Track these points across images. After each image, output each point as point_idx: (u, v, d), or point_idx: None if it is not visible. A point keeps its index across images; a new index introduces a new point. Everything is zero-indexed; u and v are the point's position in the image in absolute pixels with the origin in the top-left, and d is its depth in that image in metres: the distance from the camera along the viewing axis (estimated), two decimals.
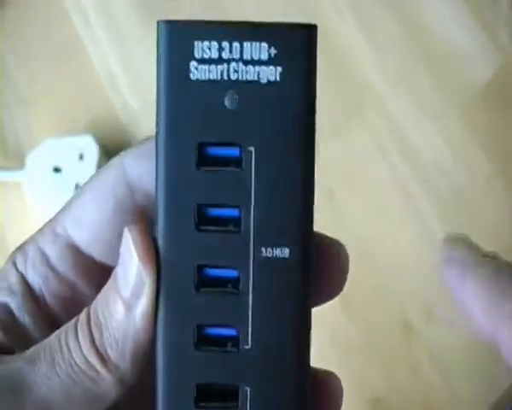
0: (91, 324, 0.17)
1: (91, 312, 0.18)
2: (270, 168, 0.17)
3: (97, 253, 0.20)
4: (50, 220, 0.21)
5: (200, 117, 0.17)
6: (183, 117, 0.17)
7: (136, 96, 0.47)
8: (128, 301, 0.17)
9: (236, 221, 0.17)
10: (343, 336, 0.41)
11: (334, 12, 0.49)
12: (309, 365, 0.20)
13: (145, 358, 0.17)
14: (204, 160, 0.17)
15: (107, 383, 0.17)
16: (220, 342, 0.18)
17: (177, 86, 0.17)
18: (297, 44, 0.17)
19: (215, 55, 0.17)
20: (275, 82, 0.17)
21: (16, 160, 0.45)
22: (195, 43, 0.18)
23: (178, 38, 0.18)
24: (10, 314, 0.19)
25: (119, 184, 0.19)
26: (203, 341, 0.17)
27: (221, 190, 0.17)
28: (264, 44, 0.17)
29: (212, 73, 0.17)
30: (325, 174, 0.46)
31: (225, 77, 0.17)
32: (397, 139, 0.46)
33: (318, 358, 0.42)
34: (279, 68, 0.17)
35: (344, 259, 0.20)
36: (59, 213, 0.21)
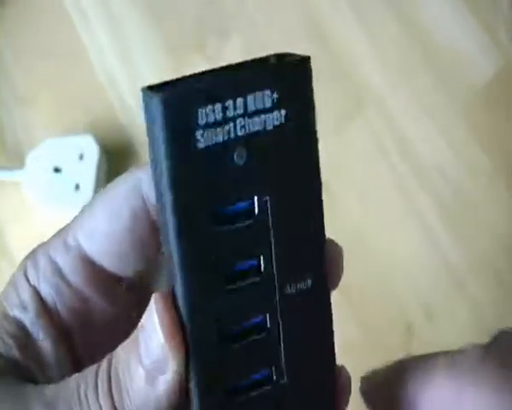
0: (112, 382, 0.17)
1: (112, 368, 0.17)
2: (286, 210, 0.17)
3: (109, 264, 0.20)
4: (60, 231, 0.20)
5: (211, 183, 0.17)
6: (192, 188, 0.16)
7: (136, 96, 0.47)
8: (150, 372, 0.16)
9: (259, 270, 0.17)
10: (343, 337, 0.41)
11: (334, 12, 0.49)
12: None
13: None
14: (220, 220, 0.17)
15: None
16: (256, 386, 0.18)
17: (181, 159, 0.16)
18: (298, 82, 0.17)
19: (220, 116, 0.16)
20: (280, 125, 0.17)
21: (16, 159, 0.45)
22: (199, 111, 0.16)
23: (178, 112, 0.16)
24: (24, 330, 0.19)
25: (134, 196, 0.19)
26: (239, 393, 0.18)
27: (241, 244, 0.17)
28: (267, 92, 0.17)
29: (219, 135, 0.16)
30: (324, 174, 0.46)
31: (232, 135, 0.17)
32: (397, 139, 0.46)
33: None
34: (283, 111, 0.17)
35: (339, 258, 0.20)
36: (70, 224, 0.20)
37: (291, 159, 0.17)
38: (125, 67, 0.47)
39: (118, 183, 0.20)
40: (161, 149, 0.16)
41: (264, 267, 0.17)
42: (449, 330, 0.42)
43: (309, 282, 0.18)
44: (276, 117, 0.17)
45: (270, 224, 0.17)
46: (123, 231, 0.19)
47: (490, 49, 0.48)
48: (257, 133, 0.17)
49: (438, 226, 0.44)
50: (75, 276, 0.20)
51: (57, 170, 0.43)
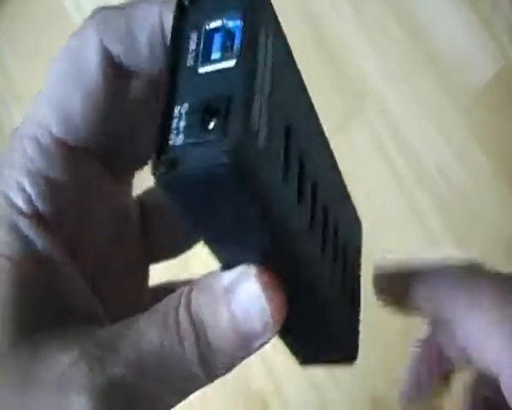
0: (200, 335, 0.17)
1: (192, 310, 0.17)
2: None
3: (84, 141, 0.20)
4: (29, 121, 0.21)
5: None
6: None
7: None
8: (245, 339, 0.17)
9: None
10: None
11: (334, 12, 0.49)
12: None
13: None
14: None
15: (203, 382, 0.18)
16: None
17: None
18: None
19: None
20: None
21: None
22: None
23: None
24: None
25: (101, 65, 0.20)
26: None
27: None
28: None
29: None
30: None
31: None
32: (397, 139, 0.46)
33: None
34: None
35: None
36: (36, 113, 0.21)
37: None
38: None
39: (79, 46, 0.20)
40: None
41: None
42: None
43: None
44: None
45: None
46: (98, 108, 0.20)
47: (490, 50, 0.48)
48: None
49: (437, 226, 0.44)
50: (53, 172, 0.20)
51: None
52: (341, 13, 0.49)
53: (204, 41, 0.17)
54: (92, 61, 0.20)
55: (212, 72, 0.16)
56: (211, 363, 0.17)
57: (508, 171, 0.45)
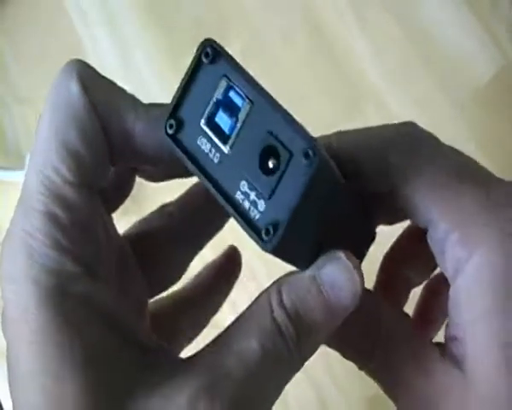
0: (297, 324, 0.19)
1: (291, 311, 0.19)
2: None
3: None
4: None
5: None
6: None
7: (136, 96, 0.47)
8: (337, 314, 0.19)
9: None
10: None
11: (334, 12, 0.49)
12: None
13: None
14: None
15: (298, 369, 0.19)
16: None
17: None
18: None
19: None
20: None
21: (16, 160, 0.45)
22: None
23: None
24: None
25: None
26: None
27: None
28: None
29: None
30: None
31: None
32: None
33: (318, 355, 0.42)
34: None
35: None
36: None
37: None
38: (125, 67, 0.47)
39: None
40: None
41: None
42: None
43: None
44: None
45: None
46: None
47: (490, 49, 0.48)
48: None
49: None
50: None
51: None
52: (342, 14, 0.49)
53: (211, 128, 0.18)
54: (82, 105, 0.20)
55: (233, 143, 0.18)
56: (307, 347, 0.19)
57: (507, 171, 0.45)
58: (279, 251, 0.17)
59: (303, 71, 0.47)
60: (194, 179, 0.23)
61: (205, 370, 0.18)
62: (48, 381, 0.17)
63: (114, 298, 0.19)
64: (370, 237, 0.21)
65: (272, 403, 0.19)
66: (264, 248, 0.17)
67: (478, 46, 0.49)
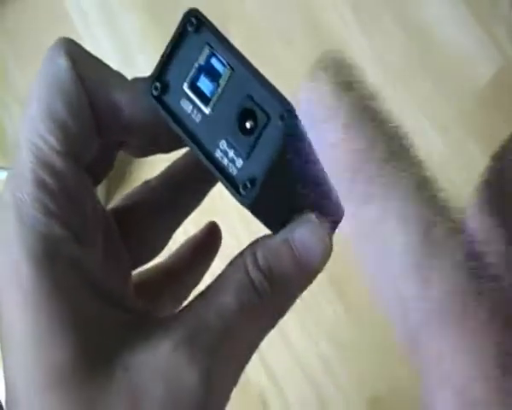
0: (272, 282, 0.20)
1: (265, 269, 0.20)
2: None
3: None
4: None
5: None
6: None
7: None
8: (309, 271, 0.20)
9: None
10: (343, 336, 0.41)
11: (334, 12, 0.49)
12: None
13: None
14: None
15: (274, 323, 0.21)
16: None
17: None
18: None
19: None
20: None
21: None
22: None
23: None
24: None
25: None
26: None
27: None
28: None
29: None
30: None
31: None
32: None
33: (318, 357, 0.42)
34: None
35: None
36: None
37: None
38: (125, 67, 0.47)
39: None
40: None
41: None
42: None
43: None
44: None
45: None
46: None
47: (490, 50, 0.49)
48: None
49: None
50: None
51: None
52: (342, 14, 0.49)
53: (193, 91, 0.19)
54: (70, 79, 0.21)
55: (214, 105, 0.19)
56: (281, 302, 0.20)
57: None
58: (256, 208, 0.19)
59: (303, 71, 0.47)
60: (175, 156, 0.24)
61: (185, 324, 0.19)
62: (39, 345, 0.18)
63: (101, 264, 0.20)
64: (341, 211, 0.22)
65: (249, 356, 0.20)
66: (242, 203, 0.18)
67: (478, 46, 0.49)
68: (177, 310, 0.20)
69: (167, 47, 0.20)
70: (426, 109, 0.47)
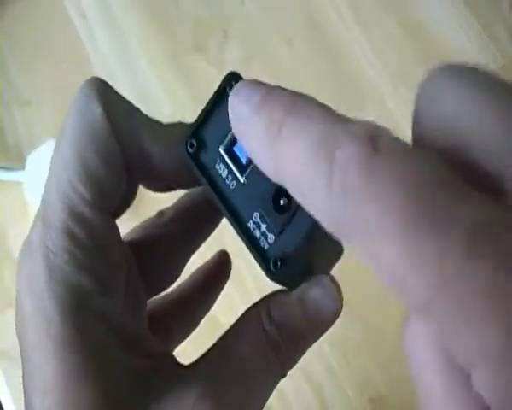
0: (284, 336, 0.21)
1: (279, 324, 0.21)
2: None
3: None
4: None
5: None
6: None
7: (136, 97, 0.47)
8: (319, 330, 0.22)
9: None
10: (343, 337, 0.41)
11: (333, 12, 0.49)
12: None
13: None
14: None
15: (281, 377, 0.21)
16: None
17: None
18: None
19: None
20: None
21: (17, 160, 0.45)
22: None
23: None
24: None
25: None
26: None
27: None
28: None
29: None
30: None
31: None
32: None
33: (318, 358, 0.42)
34: None
35: None
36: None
37: None
38: (125, 67, 0.47)
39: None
40: None
41: None
42: None
43: None
44: None
45: None
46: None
47: (490, 49, 0.49)
48: None
49: None
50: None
51: None
52: (342, 14, 0.49)
53: (229, 156, 0.19)
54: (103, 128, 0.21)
55: (249, 174, 0.19)
56: (293, 357, 0.21)
57: None
58: (280, 280, 0.19)
59: (303, 71, 0.47)
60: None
61: (206, 377, 0.20)
62: (65, 392, 0.18)
63: (126, 313, 0.21)
64: (340, 251, 0.23)
65: (262, 406, 0.21)
66: (270, 277, 0.19)
67: (478, 46, 0.49)
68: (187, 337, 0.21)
69: (207, 105, 0.20)
70: None
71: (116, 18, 0.49)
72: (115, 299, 0.20)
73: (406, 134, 0.51)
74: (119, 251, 0.21)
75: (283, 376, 0.22)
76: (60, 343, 0.18)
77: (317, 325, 0.21)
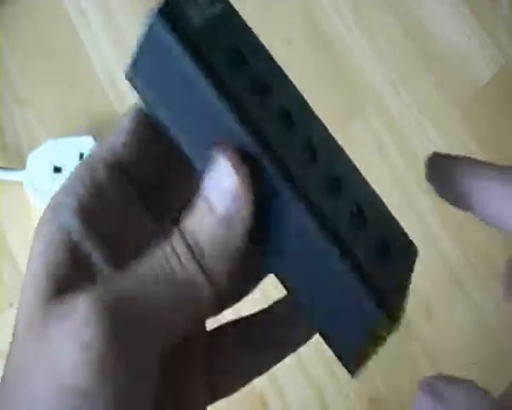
0: (188, 241, 0.18)
1: (186, 233, 0.18)
2: None
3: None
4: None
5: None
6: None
7: (136, 96, 0.47)
8: (225, 218, 0.18)
9: None
10: None
11: (334, 13, 0.49)
12: None
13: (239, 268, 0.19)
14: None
15: (206, 292, 0.18)
16: None
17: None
18: None
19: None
20: None
21: (17, 160, 0.45)
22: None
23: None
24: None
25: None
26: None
27: None
28: None
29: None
30: None
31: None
32: (397, 139, 0.46)
33: (318, 358, 0.42)
34: None
35: None
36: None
37: None
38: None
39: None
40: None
41: None
42: (448, 330, 0.43)
43: None
44: None
45: None
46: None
47: (490, 49, 0.49)
48: None
49: (437, 226, 0.44)
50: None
51: (58, 170, 0.43)
52: (342, 15, 0.49)
53: None
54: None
55: None
56: (208, 263, 0.18)
57: None
58: None
59: (302, 71, 0.47)
60: None
61: (106, 277, 0.19)
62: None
63: None
64: None
65: (182, 330, 0.19)
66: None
67: (478, 46, 0.49)
68: None
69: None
70: (426, 109, 0.47)
71: (116, 17, 0.49)
72: None
73: (405, 134, 0.51)
74: None
75: (208, 295, 0.19)
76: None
77: (223, 215, 0.18)
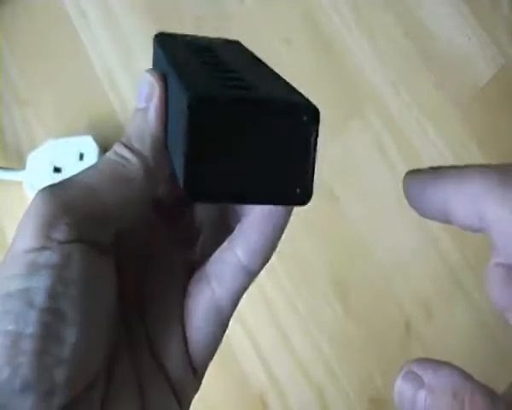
0: (122, 141, 0.23)
1: (123, 137, 0.23)
2: None
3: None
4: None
5: None
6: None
7: (135, 97, 0.47)
8: (143, 108, 0.23)
9: None
10: (343, 336, 0.41)
11: (334, 13, 0.49)
12: None
13: (161, 148, 0.23)
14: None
15: (136, 166, 0.22)
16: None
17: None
18: None
19: None
20: None
21: (17, 160, 0.45)
22: None
23: None
24: None
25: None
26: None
27: None
28: None
29: None
30: (325, 174, 0.46)
31: None
32: (397, 139, 0.46)
33: (318, 358, 0.42)
34: None
35: None
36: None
37: None
38: (125, 67, 0.47)
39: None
40: None
41: None
42: (447, 330, 0.43)
43: None
44: None
45: None
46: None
47: (490, 49, 0.49)
48: None
49: (437, 226, 0.44)
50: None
51: (57, 170, 0.43)
52: (342, 15, 0.49)
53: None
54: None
55: None
56: (134, 145, 0.23)
57: None
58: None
59: (302, 70, 0.47)
60: None
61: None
62: None
63: None
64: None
65: (124, 208, 0.22)
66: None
67: (478, 46, 0.49)
68: None
69: None
70: (426, 109, 0.47)
71: (116, 17, 0.49)
72: None
73: (405, 134, 0.51)
74: None
75: (145, 185, 0.22)
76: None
77: (141, 107, 0.23)
